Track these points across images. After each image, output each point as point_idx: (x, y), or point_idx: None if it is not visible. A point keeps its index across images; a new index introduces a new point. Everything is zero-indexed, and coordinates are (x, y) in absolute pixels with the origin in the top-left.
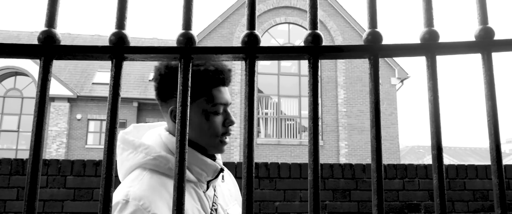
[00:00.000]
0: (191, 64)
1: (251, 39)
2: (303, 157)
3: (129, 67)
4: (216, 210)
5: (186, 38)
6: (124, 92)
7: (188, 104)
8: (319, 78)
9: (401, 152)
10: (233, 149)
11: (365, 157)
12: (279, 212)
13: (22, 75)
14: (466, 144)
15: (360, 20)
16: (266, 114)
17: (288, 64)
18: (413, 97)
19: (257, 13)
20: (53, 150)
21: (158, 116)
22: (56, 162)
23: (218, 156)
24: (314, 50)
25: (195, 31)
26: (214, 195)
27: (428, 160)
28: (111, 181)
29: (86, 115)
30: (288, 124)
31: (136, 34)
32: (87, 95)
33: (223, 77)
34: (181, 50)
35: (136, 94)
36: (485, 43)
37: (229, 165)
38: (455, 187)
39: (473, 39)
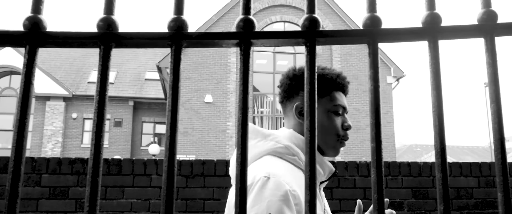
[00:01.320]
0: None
1: (247, 24)
2: None
3: (124, 66)
4: (325, 211)
5: (178, 25)
6: (119, 91)
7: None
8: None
9: (399, 150)
10: (229, 148)
11: (360, 156)
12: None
13: (17, 74)
14: (464, 143)
15: (357, 19)
16: (262, 112)
17: (284, 63)
18: (409, 96)
19: (252, 12)
20: (49, 149)
21: (153, 115)
22: (31, 160)
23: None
24: (310, 35)
25: (189, 29)
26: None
27: (425, 158)
28: (98, 171)
29: (82, 114)
30: (284, 123)
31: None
32: (82, 94)
33: (343, 84)
34: (172, 37)
35: (131, 93)
36: (489, 27)
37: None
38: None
39: (476, 23)
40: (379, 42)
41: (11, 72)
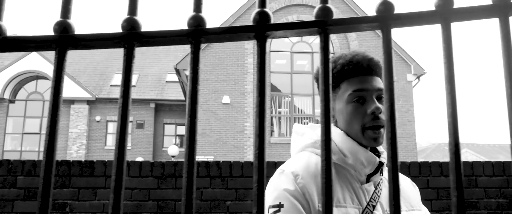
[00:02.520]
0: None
1: (262, 16)
2: None
3: (146, 69)
4: (373, 206)
5: (197, 22)
6: (141, 94)
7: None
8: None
9: (427, 149)
10: (247, 149)
11: None
12: (230, 211)
13: (43, 78)
14: (495, 141)
15: (369, 11)
16: (280, 113)
17: (303, 63)
18: (434, 94)
19: (269, 11)
20: (74, 151)
21: (175, 116)
22: (7, 162)
23: (384, 153)
24: (324, 24)
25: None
26: (375, 192)
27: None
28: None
29: (105, 117)
30: (303, 123)
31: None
32: (105, 97)
33: (355, 68)
34: (192, 33)
35: (153, 96)
36: (503, 6)
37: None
38: (418, 185)
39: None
40: (392, 27)
41: (37, 77)
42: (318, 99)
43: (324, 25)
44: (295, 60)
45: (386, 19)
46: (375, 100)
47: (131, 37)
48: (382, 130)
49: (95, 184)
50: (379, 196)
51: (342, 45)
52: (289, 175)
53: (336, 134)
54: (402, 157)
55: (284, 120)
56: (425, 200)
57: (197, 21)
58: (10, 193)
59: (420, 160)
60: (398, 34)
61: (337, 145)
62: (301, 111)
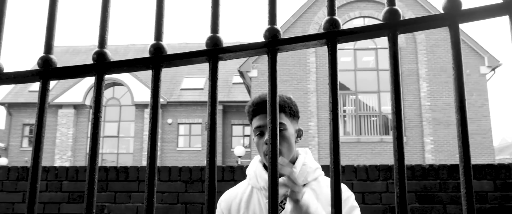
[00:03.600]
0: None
1: (332, 24)
2: (385, 154)
3: None
4: None
5: (272, 34)
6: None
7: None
8: (399, 62)
9: (506, 146)
10: (311, 148)
11: (453, 153)
12: None
13: (119, 85)
14: None
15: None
16: (344, 111)
17: (369, 59)
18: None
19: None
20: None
21: (242, 117)
22: (54, 168)
23: (296, 170)
24: (392, 25)
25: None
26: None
27: None
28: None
29: (176, 119)
30: (369, 121)
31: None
32: (176, 101)
33: (251, 111)
34: (268, 44)
35: (220, 98)
36: None
37: None
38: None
39: None
40: (459, 22)
41: (113, 84)
42: (384, 96)
43: (391, 26)
44: (360, 57)
45: (453, 16)
46: (267, 133)
47: (214, 53)
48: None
49: (130, 188)
50: (283, 209)
51: (408, 38)
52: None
53: (253, 161)
54: (478, 154)
55: (349, 118)
56: None
57: (272, 33)
58: (56, 197)
59: (490, 158)
60: (469, 26)
61: (254, 171)
62: (369, 108)
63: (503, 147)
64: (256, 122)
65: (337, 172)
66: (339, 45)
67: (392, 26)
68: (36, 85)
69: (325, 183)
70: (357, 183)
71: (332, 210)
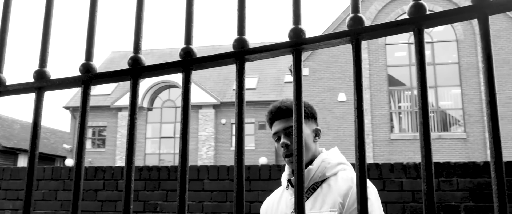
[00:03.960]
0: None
1: (356, 21)
2: (444, 151)
3: (265, 71)
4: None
5: (296, 34)
6: (261, 96)
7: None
8: (425, 58)
9: None
10: (366, 146)
11: None
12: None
13: (174, 87)
14: None
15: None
16: (400, 107)
17: (427, 53)
18: None
19: (383, 3)
20: (204, 153)
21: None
22: (110, 168)
23: (313, 169)
24: (417, 20)
25: (318, 30)
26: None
27: None
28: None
29: (230, 119)
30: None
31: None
32: (229, 101)
33: (269, 117)
34: (292, 44)
35: (272, 97)
36: None
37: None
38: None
39: None
40: (489, 14)
41: (169, 86)
42: (441, 91)
43: (417, 21)
44: (411, 52)
45: (481, 7)
46: (283, 137)
47: (241, 54)
48: (291, 156)
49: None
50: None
51: (466, 30)
52: None
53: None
54: None
55: (404, 115)
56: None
57: (297, 33)
58: (113, 195)
59: None
60: None
61: (283, 174)
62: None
63: None
64: (273, 128)
65: (362, 169)
66: (393, 40)
67: (417, 21)
68: (98, 90)
69: (343, 177)
70: (406, 181)
71: (357, 207)
